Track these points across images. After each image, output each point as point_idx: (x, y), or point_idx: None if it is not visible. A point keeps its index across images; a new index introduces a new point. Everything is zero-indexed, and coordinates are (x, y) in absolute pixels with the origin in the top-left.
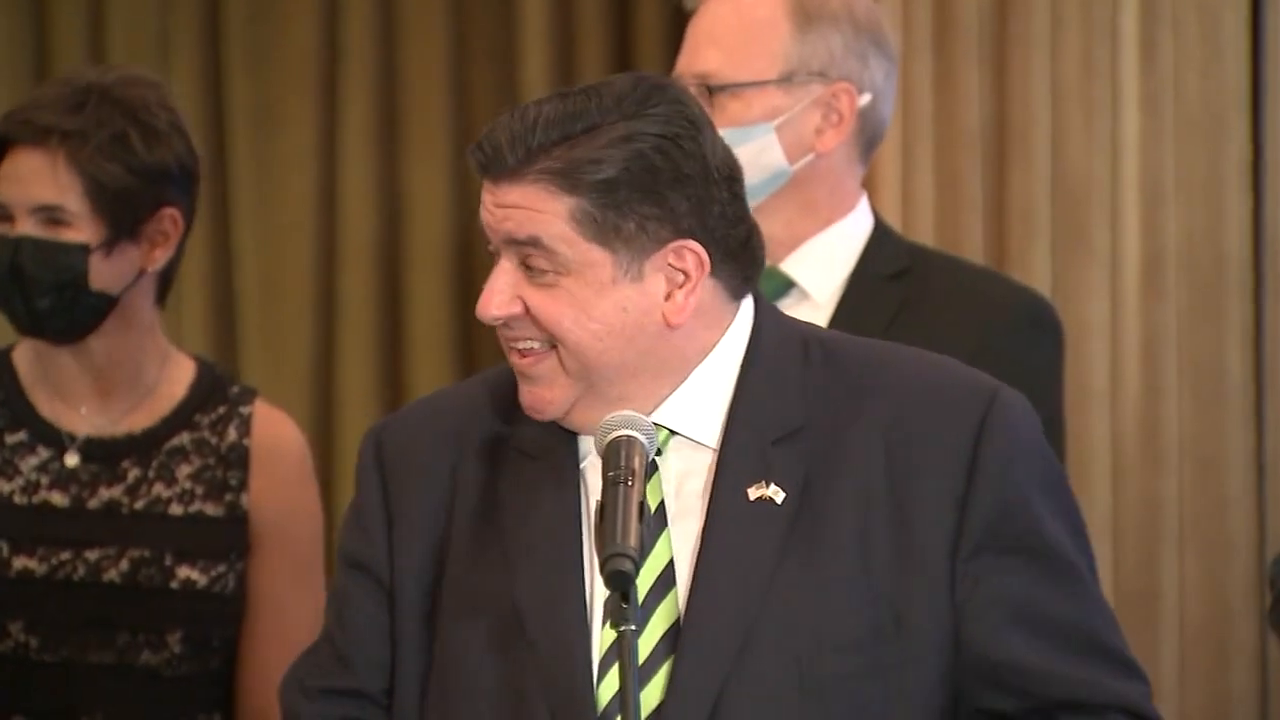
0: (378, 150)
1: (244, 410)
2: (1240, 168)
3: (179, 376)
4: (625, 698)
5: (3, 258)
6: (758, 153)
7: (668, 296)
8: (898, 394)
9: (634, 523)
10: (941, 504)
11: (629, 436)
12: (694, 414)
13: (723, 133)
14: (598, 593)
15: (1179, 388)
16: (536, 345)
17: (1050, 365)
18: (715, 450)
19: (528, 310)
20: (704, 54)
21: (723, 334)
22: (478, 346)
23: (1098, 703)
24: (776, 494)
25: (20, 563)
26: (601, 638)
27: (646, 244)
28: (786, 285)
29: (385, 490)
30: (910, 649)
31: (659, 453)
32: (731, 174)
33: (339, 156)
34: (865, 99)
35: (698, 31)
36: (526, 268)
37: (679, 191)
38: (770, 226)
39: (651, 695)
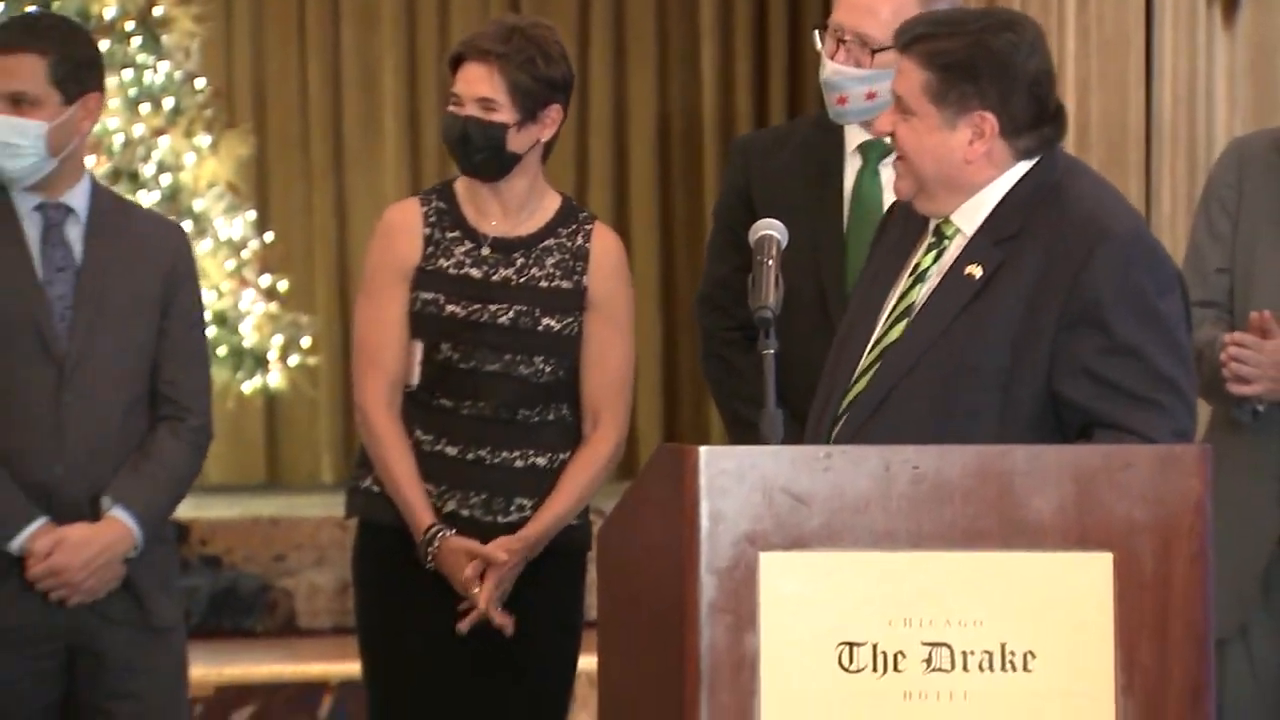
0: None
1: (587, 227)
2: (1138, 70)
3: (550, 205)
4: (766, 393)
5: (456, 128)
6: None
7: (970, 143)
8: (1061, 224)
9: (772, 286)
10: (1057, 298)
11: (769, 234)
12: (968, 218)
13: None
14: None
15: None
16: (899, 154)
17: None
18: (968, 239)
19: (897, 133)
20: (865, 20)
21: (1000, 174)
22: None
23: (1123, 428)
24: (975, 270)
25: (450, 309)
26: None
27: (963, 108)
28: None
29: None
30: (1022, 377)
31: (949, 237)
32: (1036, 80)
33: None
34: None
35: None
36: (901, 110)
37: (994, 81)
38: None
39: (858, 386)
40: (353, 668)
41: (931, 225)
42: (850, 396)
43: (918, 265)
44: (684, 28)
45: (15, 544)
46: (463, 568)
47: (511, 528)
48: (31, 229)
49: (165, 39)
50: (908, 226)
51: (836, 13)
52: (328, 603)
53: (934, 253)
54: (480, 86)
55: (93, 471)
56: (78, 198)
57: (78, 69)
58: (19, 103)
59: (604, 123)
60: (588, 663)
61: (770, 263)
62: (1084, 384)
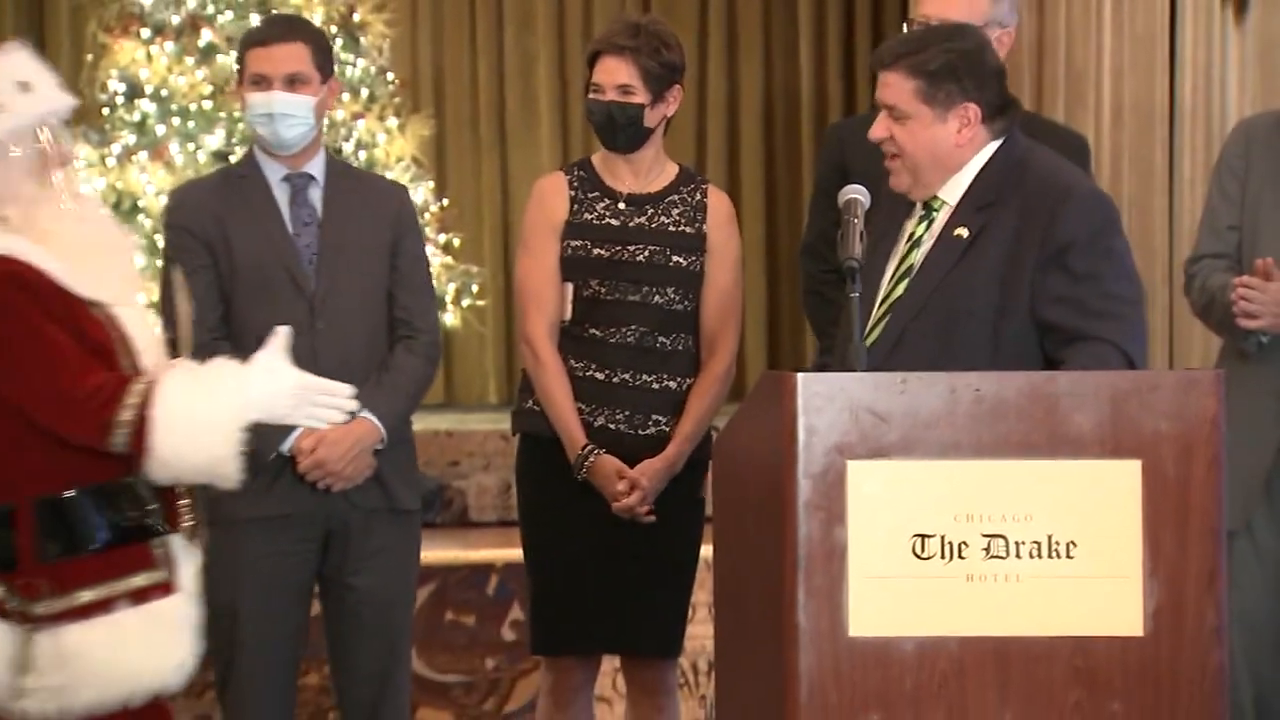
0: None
1: (704, 187)
2: (1163, 61)
3: (671, 170)
4: (853, 329)
5: (602, 112)
6: None
7: (959, 130)
8: (1029, 190)
9: (857, 240)
10: (1032, 247)
11: (855, 197)
12: (951, 191)
13: None
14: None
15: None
16: (895, 153)
17: None
18: (953, 208)
19: (893, 137)
20: (948, 9)
21: (975, 155)
22: None
23: (1094, 337)
24: (963, 231)
25: (596, 252)
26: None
27: (950, 102)
28: None
29: None
30: (1008, 314)
31: (935, 210)
32: (998, 74)
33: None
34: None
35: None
36: (891, 117)
37: (971, 77)
38: None
39: (873, 335)
40: (514, 553)
41: (919, 202)
42: (868, 344)
43: (912, 234)
44: (785, 25)
45: (285, 446)
46: (613, 482)
47: (649, 439)
48: (281, 194)
49: (362, 40)
50: (895, 207)
51: (923, 6)
52: (493, 500)
53: (925, 222)
54: (619, 75)
55: None
56: (316, 166)
57: (326, 57)
58: (294, 82)
59: (719, 105)
60: (705, 551)
61: (856, 220)
62: (1059, 308)
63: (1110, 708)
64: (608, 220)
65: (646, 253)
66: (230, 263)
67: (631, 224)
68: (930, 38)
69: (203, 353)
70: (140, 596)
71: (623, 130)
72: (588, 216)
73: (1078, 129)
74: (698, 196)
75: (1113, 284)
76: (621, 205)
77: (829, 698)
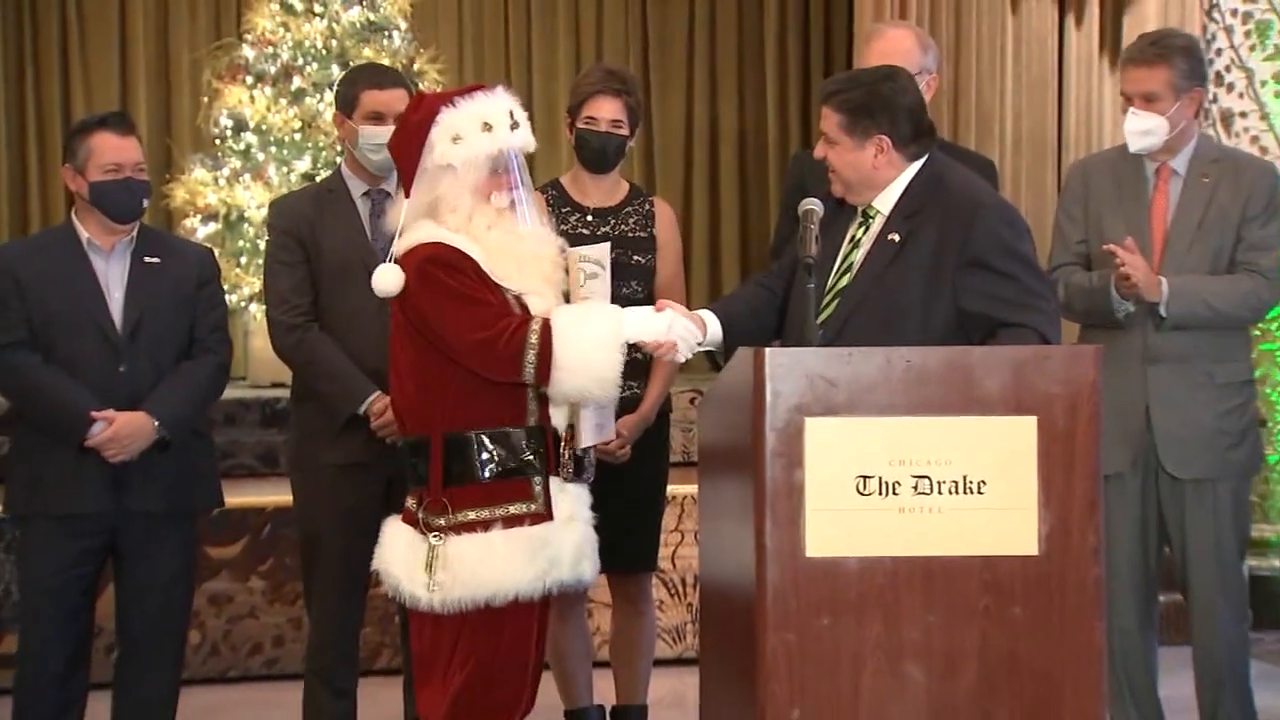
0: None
1: (650, 200)
2: (1053, 101)
3: (623, 187)
4: (809, 313)
5: (598, 140)
6: None
7: (874, 156)
8: (952, 199)
9: (814, 242)
10: (953, 251)
11: (811, 208)
12: (884, 203)
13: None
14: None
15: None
16: (831, 169)
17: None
18: (886, 216)
19: (827, 157)
20: (885, 60)
21: (899, 174)
22: None
23: (1016, 322)
24: (895, 236)
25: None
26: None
27: (866, 135)
28: None
29: None
30: (933, 305)
31: (871, 217)
32: (913, 109)
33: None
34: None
35: (882, 50)
36: (827, 142)
37: (884, 114)
38: None
39: (825, 313)
40: None
41: (859, 211)
42: (820, 324)
43: (853, 236)
44: (755, 71)
45: (362, 407)
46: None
47: (624, 400)
48: (363, 207)
49: (421, 85)
50: (838, 213)
51: (869, 59)
52: None
53: (863, 228)
54: (613, 112)
55: None
56: (391, 184)
57: None
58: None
59: (703, 135)
60: (689, 489)
61: (813, 226)
62: (984, 301)
63: (1012, 611)
64: (580, 230)
65: (613, 255)
66: (319, 260)
67: (599, 232)
68: (858, 79)
69: (295, 332)
70: (513, 522)
71: (611, 156)
72: (563, 228)
73: (986, 155)
74: (646, 207)
75: (1031, 281)
76: (589, 217)
77: (790, 604)
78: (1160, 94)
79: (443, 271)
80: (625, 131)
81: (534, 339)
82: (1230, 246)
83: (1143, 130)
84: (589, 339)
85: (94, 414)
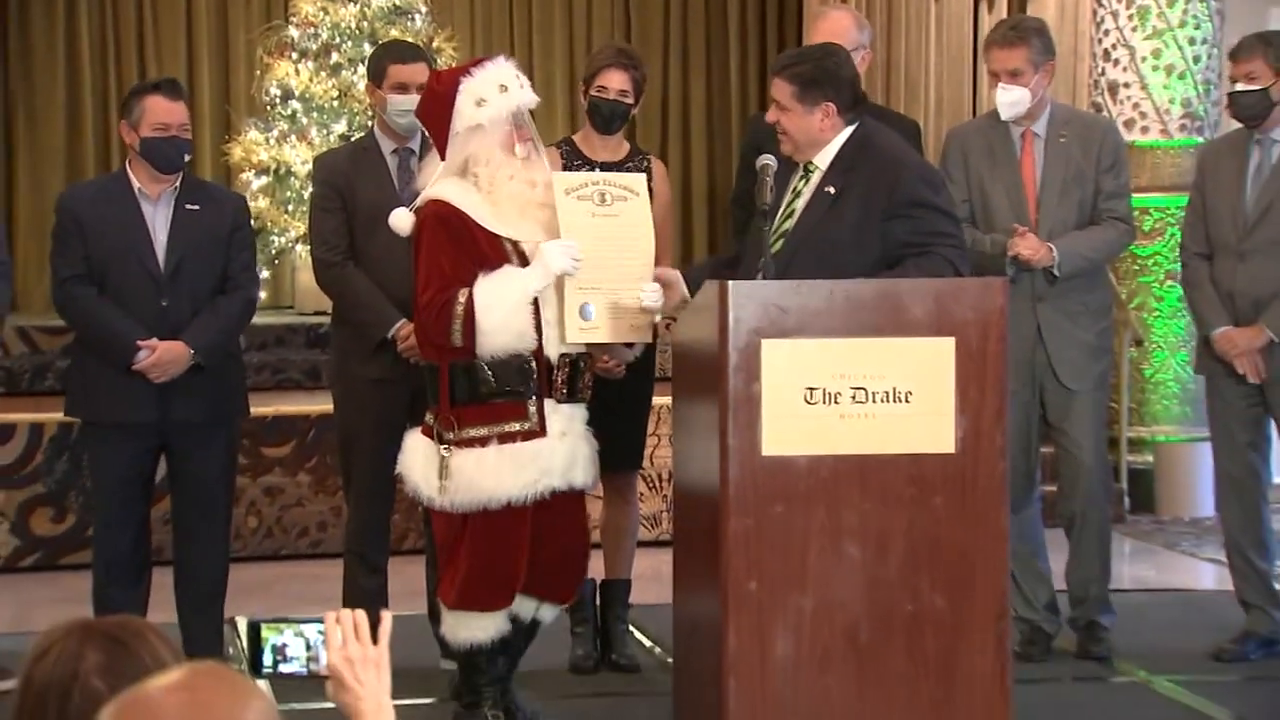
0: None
1: (648, 156)
2: (969, 73)
3: (625, 146)
4: (765, 251)
5: (608, 107)
6: None
7: (821, 120)
8: (879, 158)
9: (768, 192)
10: (880, 202)
11: (766, 162)
12: (823, 160)
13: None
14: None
15: None
16: (782, 131)
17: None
18: (824, 172)
19: (779, 121)
20: (827, 37)
21: (837, 135)
22: None
23: (933, 251)
24: (831, 189)
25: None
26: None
27: (815, 102)
28: None
29: None
30: (863, 246)
31: (811, 172)
32: (852, 81)
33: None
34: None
35: (827, 30)
36: (779, 108)
37: (830, 85)
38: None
39: (773, 250)
40: None
41: (801, 166)
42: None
43: (795, 188)
44: (720, 45)
45: (390, 332)
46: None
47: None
48: (391, 162)
49: (438, 60)
50: (788, 166)
51: (815, 36)
52: None
53: (804, 180)
54: (621, 83)
55: None
56: (415, 143)
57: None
58: (420, 88)
59: (677, 100)
60: (665, 400)
61: (768, 179)
62: (904, 242)
63: (934, 500)
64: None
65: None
66: (354, 208)
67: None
68: (806, 54)
69: (334, 269)
70: (508, 438)
71: (616, 120)
72: None
73: (913, 118)
74: (645, 164)
75: (944, 225)
76: (597, 170)
77: (749, 494)
78: (1022, 69)
79: (432, 226)
80: (630, 100)
81: (459, 309)
82: (1091, 196)
83: (1011, 101)
84: (506, 304)
85: (140, 342)
